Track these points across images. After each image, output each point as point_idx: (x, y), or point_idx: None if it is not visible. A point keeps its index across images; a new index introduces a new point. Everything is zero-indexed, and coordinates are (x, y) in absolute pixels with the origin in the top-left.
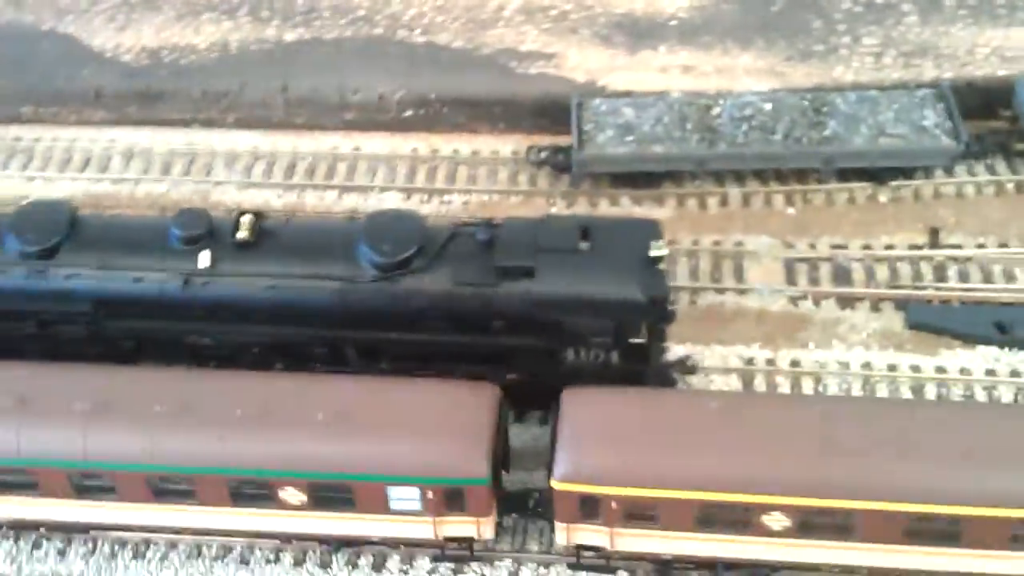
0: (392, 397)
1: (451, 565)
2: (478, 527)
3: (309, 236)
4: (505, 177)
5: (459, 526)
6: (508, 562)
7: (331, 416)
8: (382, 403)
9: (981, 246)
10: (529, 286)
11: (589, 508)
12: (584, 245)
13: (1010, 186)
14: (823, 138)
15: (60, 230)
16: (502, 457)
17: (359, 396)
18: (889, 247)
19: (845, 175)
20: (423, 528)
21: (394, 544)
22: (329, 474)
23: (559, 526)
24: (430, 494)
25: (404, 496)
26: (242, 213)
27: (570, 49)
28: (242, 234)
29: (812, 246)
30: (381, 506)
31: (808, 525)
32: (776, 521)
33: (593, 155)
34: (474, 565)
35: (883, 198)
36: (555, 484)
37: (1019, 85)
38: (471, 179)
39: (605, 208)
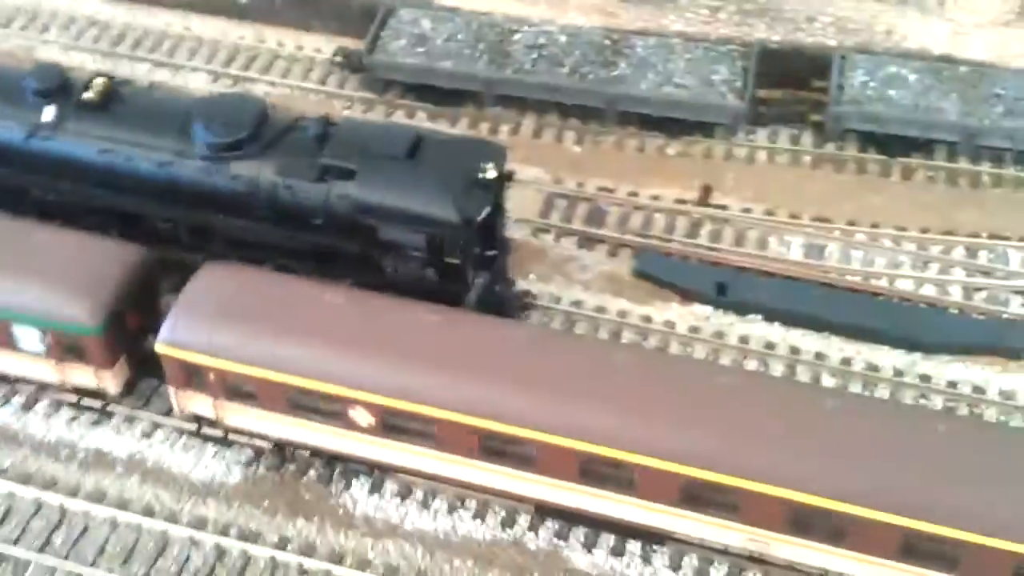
0: (34, 241)
1: (90, 416)
2: (99, 379)
3: (155, 107)
4: (316, 76)
5: (80, 374)
6: (145, 424)
7: None
8: (23, 245)
9: (747, 210)
10: (349, 188)
11: (194, 377)
12: (416, 157)
13: (785, 157)
14: (610, 78)
15: None
16: (145, 319)
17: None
18: (655, 198)
19: (645, 123)
20: (46, 370)
21: (20, 381)
22: None
23: (171, 391)
24: (50, 338)
25: (27, 336)
26: (98, 75)
27: None
28: (88, 95)
29: (580, 185)
30: (10, 343)
31: (391, 426)
32: (362, 417)
33: (381, 61)
34: (110, 420)
35: (671, 151)
36: (157, 347)
37: (835, 58)
38: (283, 73)
39: (400, 117)
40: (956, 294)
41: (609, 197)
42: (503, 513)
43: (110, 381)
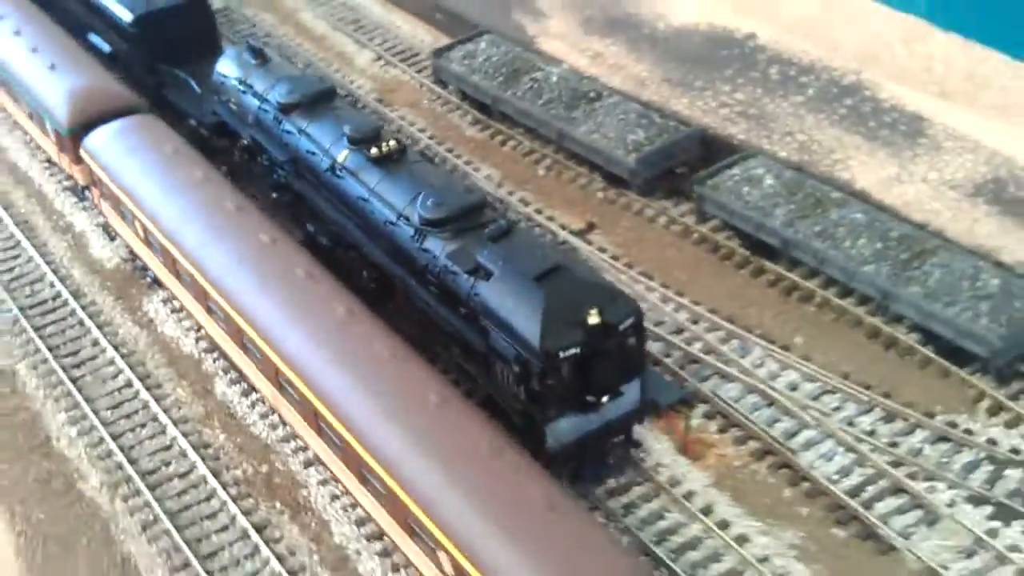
0: None
1: None
2: None
3: (408, 174)
4: None
5: None
6: None
7: None
8: None
9: (613, 257)
10: (482, 288)
11: None
12: (544, 280)
13: (663, 221)
14: (567, 118)
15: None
16: None
17: None
18: (550, 218)
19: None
20: None
21: None
22: None
23: None
24: None
25: None
26: (395, 139)
27: None
28: (375, 151)
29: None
30: None
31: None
32: None
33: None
34: None
35: (581, 181)
36: None
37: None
38: None
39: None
40: None
41: (518, 209)
42: None
43: None
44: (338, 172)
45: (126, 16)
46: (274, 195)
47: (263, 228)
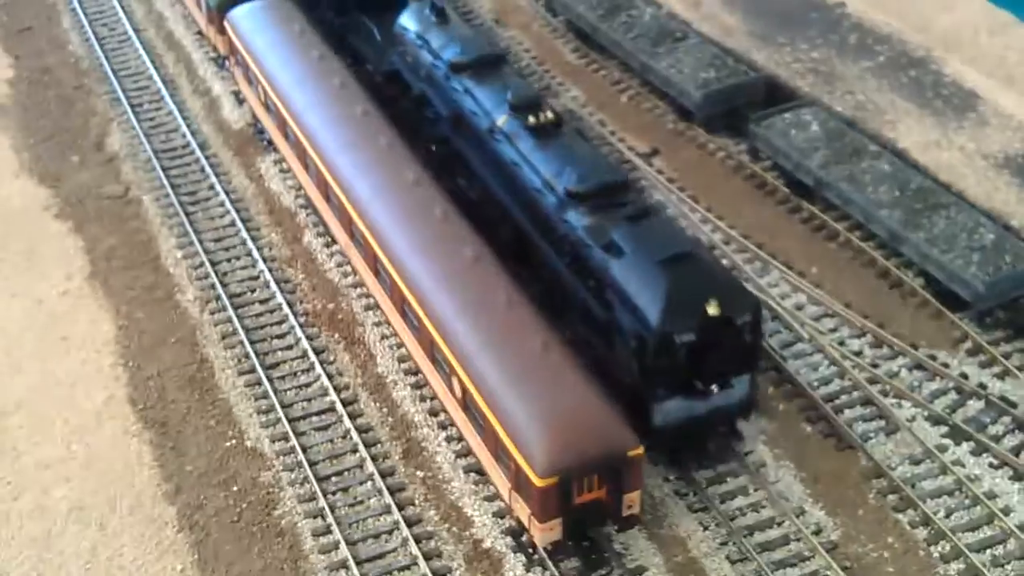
0: None
1: None
2: None
3: (562, 147)
4: None
5: None
6: None
7: None
8: None
9: (669, 179)
10: (612, 265)
11: None
12: (672, 266)
13: (722, 154)
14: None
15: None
16: None
17: None
18: (621, 139)
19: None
20: None
21: None
22: None
23: None
24: None
25: None
26: (552, 110)
27: None
28: (532, 120)
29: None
30: None
31: None
32: None
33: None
34: None
35: (650, 106)
36: None
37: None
38: None
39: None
40: None
41: (594, 128)
42: None
43: None
44: (496, 135)
45: None
46: (433, 147)
47: (359, 100)
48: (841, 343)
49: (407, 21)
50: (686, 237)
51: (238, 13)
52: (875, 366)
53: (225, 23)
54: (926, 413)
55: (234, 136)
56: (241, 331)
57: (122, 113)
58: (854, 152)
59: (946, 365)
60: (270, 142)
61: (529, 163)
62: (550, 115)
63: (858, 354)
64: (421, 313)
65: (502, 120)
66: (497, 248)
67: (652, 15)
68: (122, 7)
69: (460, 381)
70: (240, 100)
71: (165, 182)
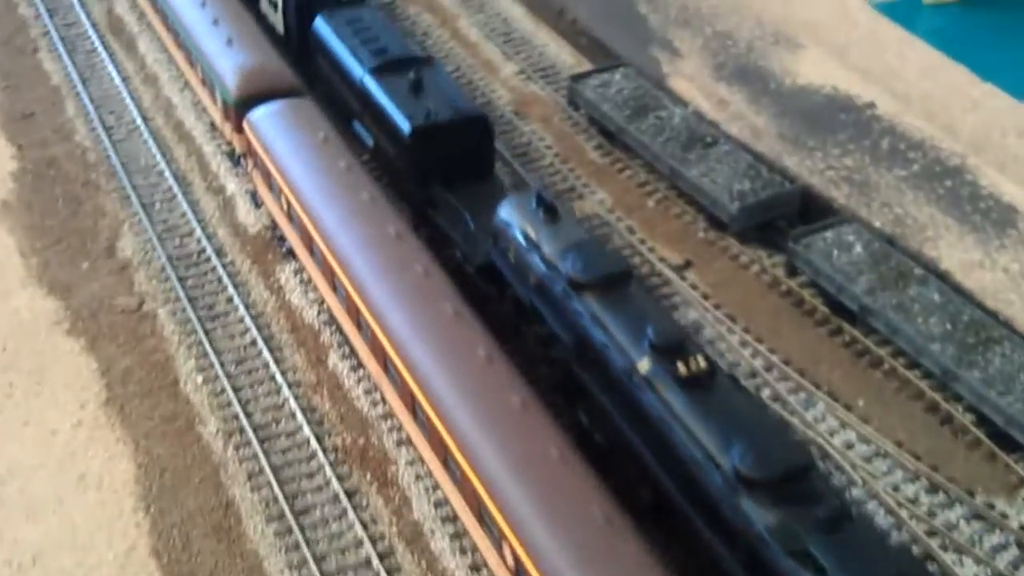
0: None
1: None
2: None
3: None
4: None
5: None
6: None
7: None
8: None
9: (704, 296)
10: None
11: None
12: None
13: (756, 268)
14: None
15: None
16: None
17: None
18: (651, 249)
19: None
20: None
21: None
22: None
23: None
24: None
25: None
26: (706, 358)
27: None
28: (683, 369)
29: (608, 209)
30: None
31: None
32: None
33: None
34: None
35: (687, 217)
36: None
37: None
38: None
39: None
40: None
41: (623, 236)
42: None
43: None
44: (635, 379)
45: (404, 126)
46: (547, 368)
47: (390, 221)
48: (895, 488)
49: (509, 215)
50: (899, 552)
51: (259, 114)
52: (932, 515)
53: (244, 123)
54: (989, 572)
55: (251, 241)
56: (268, 470)
57: (133, 214)
58: (900, 277)
59: (1005, 515)
60: (290, 251)
61: (683, 424)
62: (702, 363)
63: (914, 501)
64: (465, 466)
65: (644, 365)
66: (631, 504)
67: (681, 117)
68: (129, 92)
69: (512, 549)
70: (257, 203)
71: (181, 294)
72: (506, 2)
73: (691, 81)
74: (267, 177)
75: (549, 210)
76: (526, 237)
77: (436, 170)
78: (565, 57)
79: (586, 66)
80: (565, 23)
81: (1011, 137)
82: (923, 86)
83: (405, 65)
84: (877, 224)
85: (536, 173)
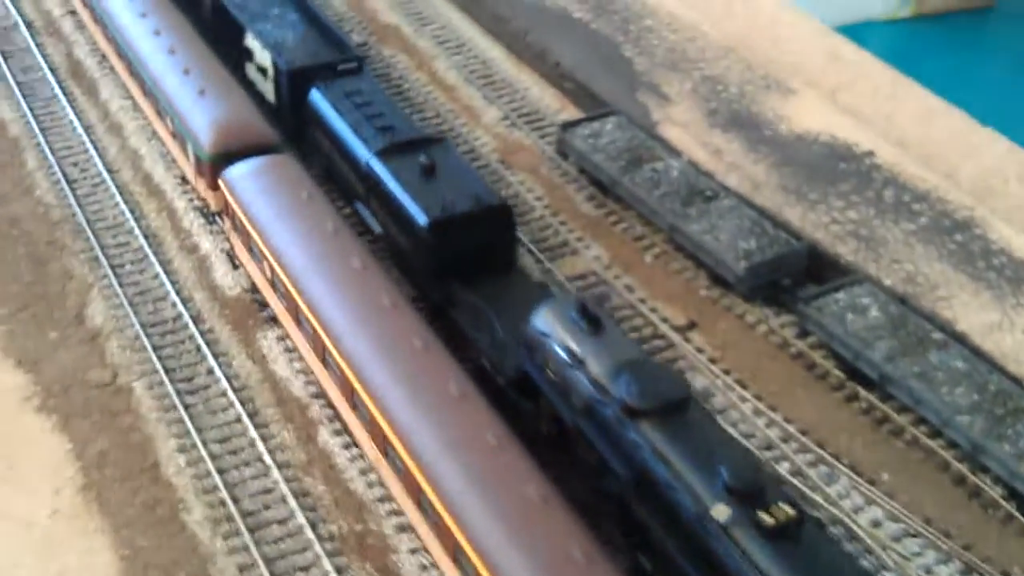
0: None
1: None
2: None
3: None
4: None
5: None
6: None
7: None
8: None
9: (711, 359)
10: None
11: None
12: None
13: (763, 329)
14: (681, 212)
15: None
16: None
17: None
18: (653, 309)
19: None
20: None
21: None
22: None
23: None
24: None
25: None
26: (792, 503)
27: None
28: (767, 519)
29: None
30: None
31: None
32: None
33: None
34: None
35: (688, 274)
36: None
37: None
38: None
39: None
40: None
41: (622, 295)
42: None
43: None
44: (709, 526)
45: (420, 218)
46: (599, 496)
47: (385, 290)
48: (929, 572)
49: (546, 323)
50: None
51: (236, 172)
52: None
53: (220, 181)
54: None
55: (230, 305)
56: (261, 562)
57: (103, 276)
58: (919, 342)
59: None
60: (273, 318)
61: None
62: (789, 510)
63: None
64: (478, 562)
65: (720, 511)
66: None
67: (679, 169)
68: (92, 143)
69: None
70: (235, 264)
71: (158, 365)
72: (485, 43)
73: (684, 128)
74: (247, 239)
75: (592, 321)
76: (568, 351)
77: (455, 265)
78: (549, 101)
79: (571, 111)
80: (548, 66)
81: (1013, 184)
82: (919, 131)
83: (415, 146)
84: (888, 282)
85: (528, 227)
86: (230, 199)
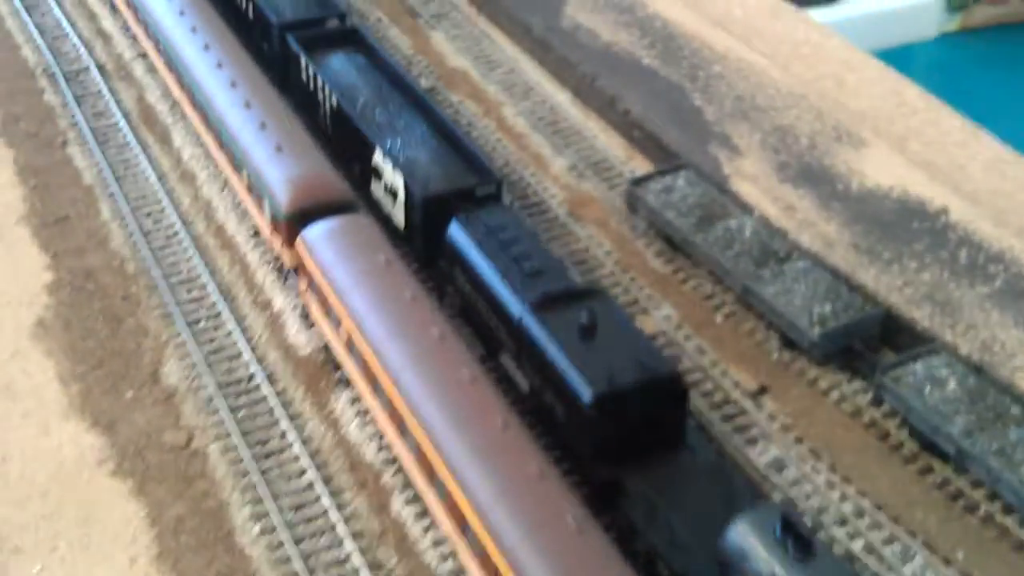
0: None
1: None
2: None
3: None
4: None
5: None
6: None
7: None
8: None
9: (784, 428)
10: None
11: None
12: None
13: (836, 395)
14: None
15: None
16: None
17: None
18: (724, 373)
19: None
20: None
21: None
22: None
23: None
24: None
25: None
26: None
27: None
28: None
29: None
30: None
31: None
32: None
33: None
34: None
35: (759, 336)
36: None
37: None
38: None
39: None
40: None
41: (692, 358)
42: None
43: None
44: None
45: (584, 392)
46: None
47: (464, 363)
48: None
49: (744, 541)
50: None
51: (314, 233)
52: None
53: (298, 241)
54: None
55: (303, 365)
56: None
57: (177, 334)
58: (997, 417)
59: None
60: (347, 381)
61: None
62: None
63: None
64: None
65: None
66: None
67: (752, 228)
68: (166, 192)
69: None
70: (308, 323)
71: (232, 427)
72: (552, 88)
73: (754, 183)
74: (323, 301)
75: (801, 543)
76: None
77: (620, 443)
78: (617, 151)
79: (639, 160)
80: (616, 113)
81: None
82: (991, 183)
83: (572, 299)
84: (964, 350)
85: (597, 282)
86: (307, 260)
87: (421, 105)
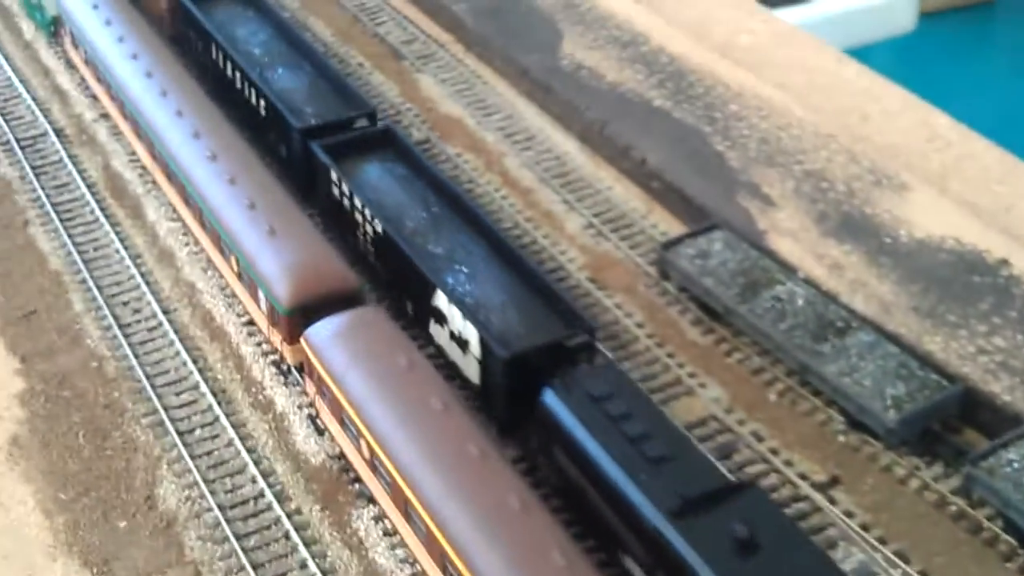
0: None
1: None
2: None
3: None
4: None
5: None
6: None
7: None
8: None
9: (864, 526)
10: None
11: None
12: None
13: (917, 483)
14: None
15: None
16: None
17: None
18: (788, 463)
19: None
20: None
21: None
22: None
23: None
24: None
25: None
26: None
27: None
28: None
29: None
30: None
31: None
32: None
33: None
34: None
35: (834, 425)
36: None
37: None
38: None
39: None
40: None
41: (750, 445)
42: None
43: None
44: None
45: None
46: None
47: (510, 486)
48: None
49: None
50: None
51: (323, 333)
52: None
53: (303, 341)
54: None
55: (315, 477)
56: None
57: (171, 448)
58: None
59: None
60: (370, 498)
61: None
62: None
63: None
64: None
65: None
66: None
67: (804, 297)
68: (143, 276)
69: None
70: (319, 429)
71: (244, 560)
72: (557, 136)
73: (794, 239)
74: (337, 410)
75: None
76: None
77: None
78: (635, 203)
79: (660, 214)
80: (631, 162)
81: None
82: None
83: (720, 500)
84: None
85: (633, 360)
86: (316, 364)
87: (478, 224)
